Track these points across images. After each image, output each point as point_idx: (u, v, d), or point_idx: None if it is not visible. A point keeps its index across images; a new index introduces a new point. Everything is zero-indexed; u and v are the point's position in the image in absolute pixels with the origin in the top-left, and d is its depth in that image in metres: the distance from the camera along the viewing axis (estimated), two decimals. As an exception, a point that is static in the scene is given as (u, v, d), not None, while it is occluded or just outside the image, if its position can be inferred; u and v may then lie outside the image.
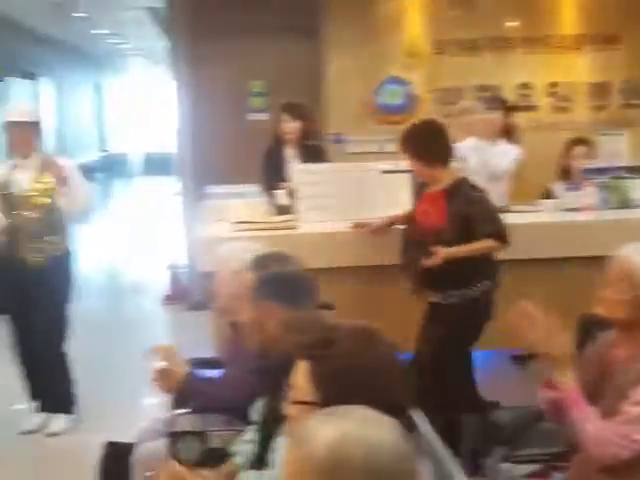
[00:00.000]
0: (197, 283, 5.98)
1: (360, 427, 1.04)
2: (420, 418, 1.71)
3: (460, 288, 3.14)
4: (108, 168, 13.79)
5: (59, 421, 3.79)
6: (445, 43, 5.68)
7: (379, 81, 5.70)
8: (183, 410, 2.39)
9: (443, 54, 5.70)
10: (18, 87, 8.44)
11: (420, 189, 3.38)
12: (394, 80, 5.73)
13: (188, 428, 2.26)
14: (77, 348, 3.94)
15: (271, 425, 1.72)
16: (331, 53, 5.66)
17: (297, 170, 3.89)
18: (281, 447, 1.54)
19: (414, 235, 3.26)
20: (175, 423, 2.32)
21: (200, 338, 5.07)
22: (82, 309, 3.95)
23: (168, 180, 15.82)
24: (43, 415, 3.83)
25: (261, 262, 1.90)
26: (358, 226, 3.65)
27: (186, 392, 2.32)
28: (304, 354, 1.38)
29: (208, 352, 3.15)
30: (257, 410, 1.94)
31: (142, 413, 4.06)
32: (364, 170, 3.87)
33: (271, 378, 1.80)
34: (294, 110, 4.36)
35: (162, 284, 6.41)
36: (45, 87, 9.56)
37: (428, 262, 3.04)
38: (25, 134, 3.63)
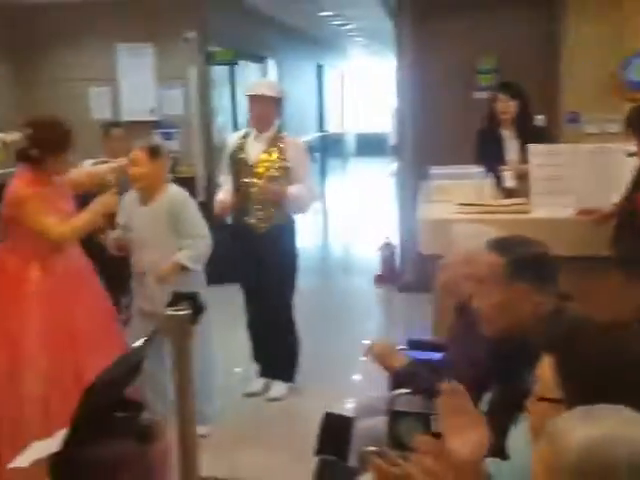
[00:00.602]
0: (410, 264, 6.00)
1: (623, 428, 0.99)
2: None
3: None
4: (325, 148, 14.33)
5: (279, 387, 4.02)
6: None
7: (626, 54, 5.24)
8: (403, 390, 2.39)
9: None
10: (248, 70, 9.02)
11: None
12: (645, 53, 5.24)
13: (409, 409, 2.26)
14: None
15: (502, 415, 1.65)
16: (570, 23, 5.29)
17: (532, 151, 3.70)
18: (517, 438, 1.48)
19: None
20: (395, 402, 2.33)
21: (411, 320, 5.11)
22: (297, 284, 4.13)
23: (381, 160, 16.10)
24: (265, 380, 4.08)
25: (504, 244, 1.82)
26: (583, 212, 3.41)
27: (407, 375, 2.32)
28: (552, 347, 1.30)
29: (418, 334, 3.14)
30: (486, 398, 1.88)
31: (355, 388, 4.19)
32: (607, 152, 3.59)
33: (505, 365, 1.74)
34: (511, 89, 4.21)
35: (374, 264, 6.53)
36: (272, 69, 10.11)
37: None
38: (264, 108, 3.79)
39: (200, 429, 3.47)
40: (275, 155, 3.82)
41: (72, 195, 3.30)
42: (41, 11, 6.71)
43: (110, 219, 3.28)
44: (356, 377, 4.36)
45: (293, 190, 3.77)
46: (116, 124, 5.69)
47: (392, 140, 16.61)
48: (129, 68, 6.83)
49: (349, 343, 4.71)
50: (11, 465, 2.36)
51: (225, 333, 4.31)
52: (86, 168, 3.56)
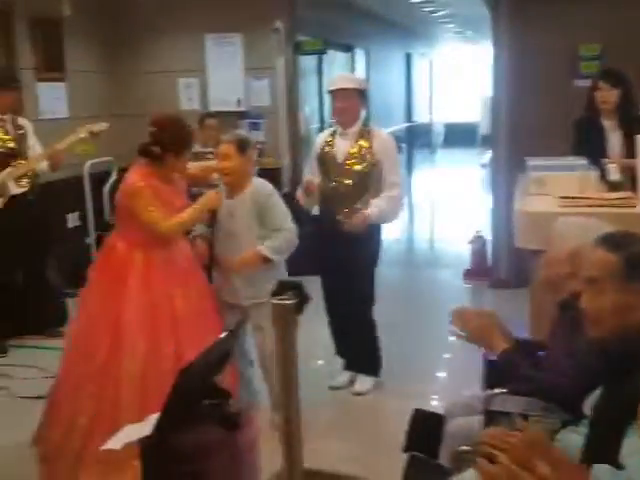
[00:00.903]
0: (503, 259, 5.87)
1: None
2: None
3: None
4: (412, 138, 14.21)
5: (364, 382, 4.02)
6: None
7: None
8: (499, 390, 2.34)
9: None
10: (335, 59, 9.07)
11: None
12: None
13: (506, 409, 2.21)
14: (377, 315, 4.11)
15: (611, 420, 1.60)
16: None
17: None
18: (633, 446, 1.42)
19: None
20: (491, 402, 2.29)
21: (503, 317, 4.99)
22: (383, 277, 4.11)
23: (470, 151, 15.83)
24: (350, 374, 4.10)
25: (616, 240, 1.74)
26: None
27: (505, 369, 2.27)
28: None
29: (513, 332, 3.07)
30: (591, 402, 1.82)
31: (440, 385, 4.16)
32: None
33: (614, 368, 1.67)
34: (613, 77, 4.03)
35: (463, 258, 6.43)
36: (359, 59, 10.12)
37: None
38: (348, 101, 3.79)
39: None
40: (363, 150, 3.81)
41: (186, 190, 3.44)
42: (133, 4, 6.95)
43: (213, 216, 3.37)
44: (441, 374, 4.33)
45: (374, 211, 3.75)
46: (211, 114, 5.96)
47: (482, 130, 16.34)
48: (217, 59, 6.97)
49: (435, 340, 4.69)
50: (104, 447, 2.48)
51: (307, 325, 4.36)
52: (200, 162, 3.66)
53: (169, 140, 3.19)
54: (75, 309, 4.95)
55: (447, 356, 4.52)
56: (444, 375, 4.31)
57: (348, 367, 4.12)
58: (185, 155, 3.28)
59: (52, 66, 6.31)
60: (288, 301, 1.42)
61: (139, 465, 2.35)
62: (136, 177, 3.23)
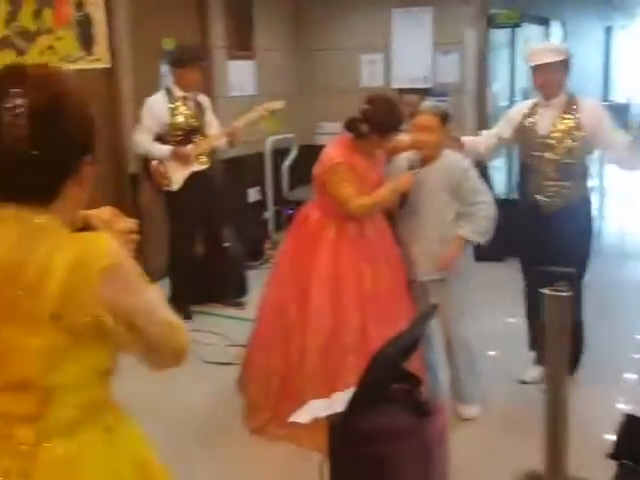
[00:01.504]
0: None
1: None
2: None
3: None
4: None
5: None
6: None
7: None
8: None
9: None
10: (529, 33, 8.66)
11: None
12: None
13: None
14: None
15: None
16: None
17: None
18: None
19: None
20: None
21: None
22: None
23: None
24: (541, 369, 3.90)
25: None
26: None
27: None
28: None
29: None
30: None
31: (629, 386, 3.90)
32: None
33: None
34: None
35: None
36: (555, 32, 9.60)
37: None
38: (550, 76, 3.59)
39: (470, 410, 3.51)
40: (569, 123, 3.58)
41: (384, 163, 3.48)
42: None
43: (404, 197, 3.35)
44: (630, 376, 4.06)
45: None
46: (411, 90, 6.01)
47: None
48: (404, 34, 6.89)
49: (624, 338, 4.48)
50: (291, 419, 2.53)
51: (483, 312, 4.26)
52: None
53: (379, 120, 3.24)
54: (254, 281, 5.17)
55: (637, 356, 4.22)
56: (634, 377, 4.02)
57: (541, 362, 3.92)
58: (390, 138, 3.32)
59: (242, 44, 6.60)
60: (564, 293, 1.35)
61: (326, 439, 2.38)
62: (335, 152, 3.30)
